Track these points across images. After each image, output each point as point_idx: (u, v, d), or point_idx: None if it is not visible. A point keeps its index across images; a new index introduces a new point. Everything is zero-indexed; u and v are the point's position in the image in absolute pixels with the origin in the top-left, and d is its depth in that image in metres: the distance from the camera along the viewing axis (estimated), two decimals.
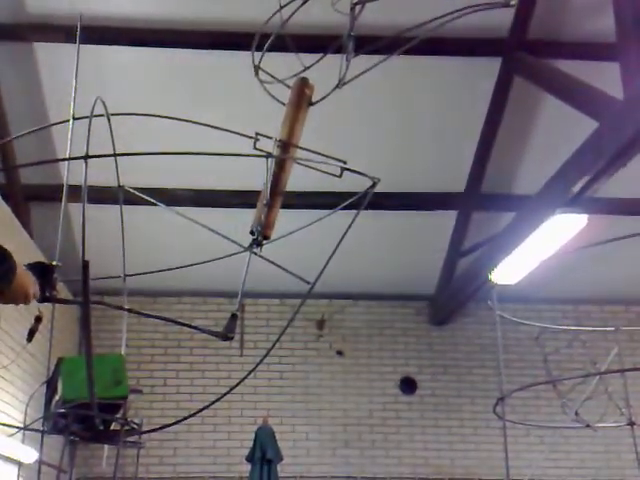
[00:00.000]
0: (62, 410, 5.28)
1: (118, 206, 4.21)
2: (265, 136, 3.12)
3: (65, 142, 3.61)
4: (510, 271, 9.21)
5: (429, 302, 12.20)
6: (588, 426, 8.44)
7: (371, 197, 3.22)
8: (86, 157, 2.87)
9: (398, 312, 12.24)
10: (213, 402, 3.64)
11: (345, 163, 3.04)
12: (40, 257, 8.05)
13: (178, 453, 11.30)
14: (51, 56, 8.50)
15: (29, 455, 8.57)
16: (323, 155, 3.04)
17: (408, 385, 11.93)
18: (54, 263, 3.00)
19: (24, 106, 8.88)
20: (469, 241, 10.70)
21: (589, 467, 11.57)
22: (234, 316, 3.30)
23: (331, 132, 8.52)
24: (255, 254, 3.31)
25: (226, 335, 3.24)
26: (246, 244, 3.32)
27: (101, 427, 5.43)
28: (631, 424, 8.12)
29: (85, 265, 2.80)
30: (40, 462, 6.97)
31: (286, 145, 3.26)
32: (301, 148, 3.27)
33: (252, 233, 3.29)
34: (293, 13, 3.36)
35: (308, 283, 3.27)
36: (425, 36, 3.44)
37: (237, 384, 3.54)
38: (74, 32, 4.09)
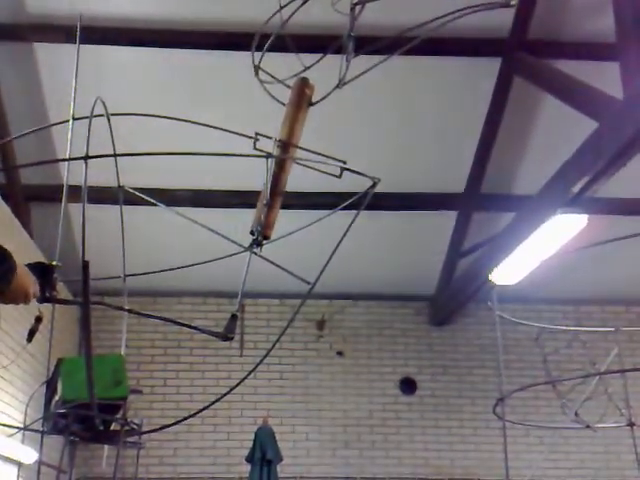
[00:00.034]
0: (62, 410, 5.28)
1: (118, 206, 4.21)
2: (265, 136, 3.12)
3: (65, 142, 3.61)
4: (510, 271, 9.21)
5: (429, 302, 12.20)
6: (588, 427, 8.43)
7: (371, 197, 3.21)
8: (86, 157, 2.87)
9: (398, 312, 12.24)
10: (213, 402, 3.63)
11: (345, 163, 3.04)
12: (40, 257, 8.05)
13: (178, 453, 11.30)
14: (51, 56, 8.50)
15: (29, 455, 8.57)
16: (323, 155, 3.04)
17: (408, 385, 11.93)
18: (54, 263, 3.00)
19: (24, 106, 8.88)
20: (469, 241, 10.70)
21: (589, 468, 11.58)
22: (234, 316, 3.29)
23: (331, 132, 8.52)
24: (255, 254, 3.30)
25: (226, 335, 3.24)
26: (246, 244, 3.32)
27: (101, 427, 5.43)
28: (631, 425, 8.12)
29: (85, 265, 2.80)
30: (40, 462, 6.97)
31: (286, 145, 3.26)
32: (301, 148, 3.27)
33: (252, 233, 3.29)
34: (293, 13, 3.36)
35: (308, 283, 3.26)
36: (425, 36, 3.43)
37: (237, 384, 3.54)
38: (74, 32, 4.09)
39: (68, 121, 3.62)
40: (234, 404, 11.25)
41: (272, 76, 3.55)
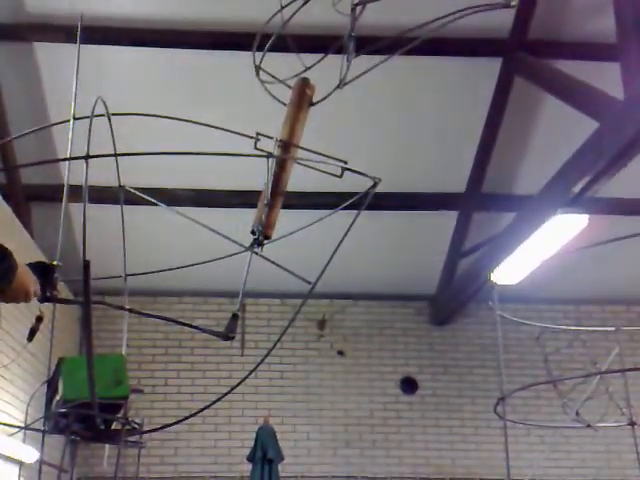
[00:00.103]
0: (63, 410, 5.28)
1: (119, 206, 4.20)
2: (266, 136, 3.12)
3: (65, 142, 3.60)
4: (511, 271, 9.22)
5: (430, 302, 12.20)
6: (589, 426, 8.44)
7: (372, 197, 3.22)
8: (87, 157, 2.87)
9: (399, 312, 12.24)
10: (214, 402, 3.64)
11: (346, 163, 3.04)
12: (41, 257, 8.05)
13: (179, 453, 11.31)
14: (51, 56, 8.50)
15: (30, 455, 8.57)
16: (324, 155, 3.04)
17: (409, 385, 11.93)
18: (55, 263, 3.00)
19: (24, 106, 8.88)
20: (470, 241, 10.70)
21: (590, 467, 11.58)
22: (235, 316, 3.29)
23: (332, 132, 8.52)
24: (256, 254, 3.31)
25: (227, 335, 3.24)
26: (247, 244, 3.32)
27: (102, 427, 5.43)
28: (632, 424, 8.12)
29: (86, 265, 2.80)
30: (41, 462, 6.97)
31: (287, 145, 3.26)
32: (302, 148, 3.27)
33: (253, 233, 3.29)
34: (294, 13, 3.36)
35: (309, 283, 3.26)
36: (426, 36, 3.44)
37: (238, 384, 3.54)
38: (74, 32, 4.08)
39: (69, 121, 3.62)
40: (235, 403, 11.26)
41: (273, 76, 3.55)
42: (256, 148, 3.08)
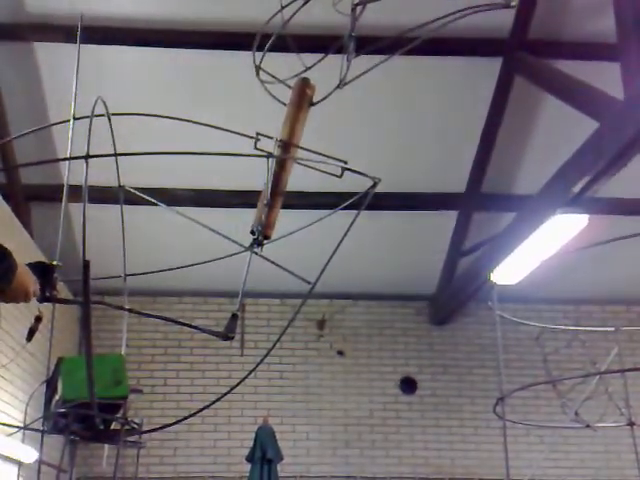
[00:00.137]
0: (62, 410, 5.27)
1: (119, 206, 4.20)
2: (266, 136, 3.12)
3: (65, 142, 3.60)
4: (510, 271, 9.21)
5: (429, 302, 12.20)
6: (588, 426, 8.44)
7: (372, 197, 3.21)
8: (87, 157, 2.87)
9: (398, 312, 12.24)
10: (213, 402, 3.64)
11: (346, 163, 3.04)
12: (40, 257, 8.05)
13: (178, 453, 11.31)
14: (51, 56, 8.50)
15: (29, 455, 8.57)
16: (324, 155, 3.04)
17: (408, 385, 11.93)
18: (54, 263, 3.00)
19: (24, 106, 8.88)
20: (470, 241, 10.70)
21: (589, 467, 11.58)
22: (235, 316, 3.29)
23: (332, 132, 8.52)
24: (256, 254, 3.31)
25: (227, 335, 3.24)
26: (247, 244, 3.32)
27: (101, 427, 5.42)
28: (631, 424, 8.12)
29: (86, 265, 2.80)
30: (40, 462, 6.96)
31: (287, 145, 3.26)
32: (302, 148, 3.27)
33: (253, 233, 3.28)
34: (294, 13, 3.36)
35: (309, 283, 3.26)
36: (426, 36, 3.43)
37: (237, 384, 3.54)
38: (74, 32, 4.08)
39: (68, 121, 3.62)
40: (234, 403, 11.26)
41: (273, 76, 3.55)
42: (256, 148, 3.08)
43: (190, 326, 3.76)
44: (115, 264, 4.44)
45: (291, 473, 11.03)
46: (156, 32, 8.39)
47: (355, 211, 3.19)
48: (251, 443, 9.99)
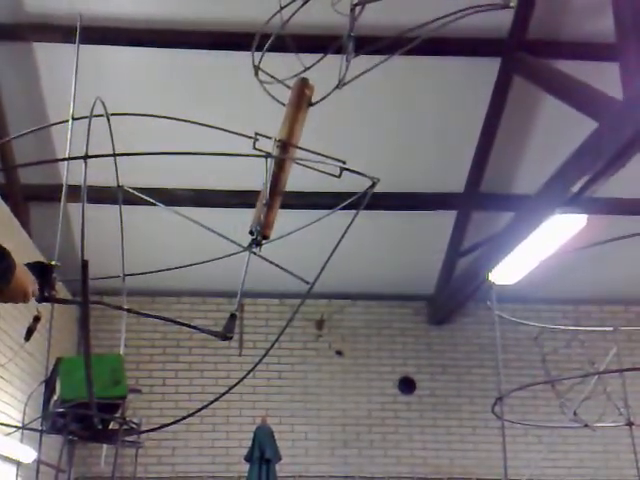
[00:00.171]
0: (61, 409, 5.27)
1: (117, 206, 4.20)
2: (264, 136, 3.12)
3: (64, 142, 3.60)
4: (509, 271, 9.22)
5: (428, 302, 12.20)
6: (586, 426, 8.43)
7: (370, 197, 3.21)
8: (85, 157, 2.87)
9: (397, 312, 12.25)
10: (212, 402, 3.63)
11: (344, 163, 3.04)
12: (39, 257, 8.04)
13: (177, 453, 11.31)
14: (50, 56, 8.49)
15: (28, 454, 8.57)
16: (322, 155, 3.04)
17: (407, 385, 11.93)
18: (53, 263, 3.00)
19: (23, 106, 8.87)
20: (468, 241, 10.70)
21: (587, 467, 11.59)
22: (233, 316, 3.29)
23: (331, 132, 8.52)
24: (254, 254, 3.30)
25: (225, 335, 3.24)
26: (245, 244, 3.32)
27: (100, 427, 5.42)
28: (629, 424, 8.12)
29: (84, 265, 2.80)
30: (39, 462, 6.96)
31: (285, 145, 3.26)
32: (301, 148, 3.27)
33: (251, 233, 3.28)
34: (294, 14, 3.36)
35: (307, 283, 3.26)
36: (426, 36, 3.43)
37: (236, 384, 3.54)
38: (73, 32, 4.08)
39: (67, 121, 3.62)
40: (233, 403, 11.25)
41: (272, 76, 3.55)
42: (255, 148, 3.08)
43: (189, 326, 3.76)
44: (114, 264, 4.43)
45: (289, 473, 11.04)
46: (155, 32, 8.39)
47: (354, 211, 3.19)
48: (249, 443, 9.99)
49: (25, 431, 7.42)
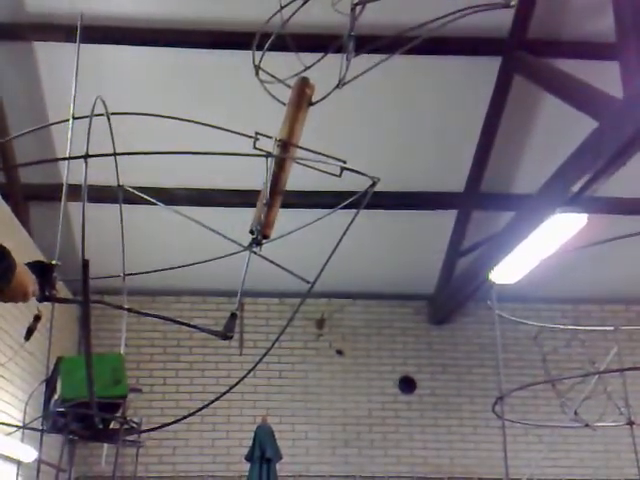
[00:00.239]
0: (61, 409, 5.28)
1: (118, 205, 4.20)
2: (265, 136, 3.12)
3: (65, 141, 3.60)
4: (509, 270, 9.21)
5: (428, 301, 12.20)
6: (587, 425, 8.44)
7: (371, 196, 3.21)
8: (86, 156, 2.87)
9: (397, 311, 12.25)
10: (212, 401, 3.64)
11: (345, 163, 3.04)
12: (39, 256, 8.04)
13: (177, 452, 11.31)
14: (51, 55, 8.50)
15: (28, 454, 8.57)
16: (323, 155, 3.04)
17: (407, 384, 11.93)
18: (54, 262, 3.00)
19: (24, 105, 8.87)
20: (468, 240, 10.70)
21: (588, 466, 11.59)
22: (233, 315, 3.29)
23: (331, 132, 8.52)
24: (255, 253, 3.30)
25: (225, 334, 3.24)
26: (246, 243, 3.32)
27: (100, 426, 5.43)
28: (630, 423, 8.12)
29: (85, 264, 2.80)
30: (39, 461, 6.97)
31: (286, 145, 3.26)
32: (301, 148, 3.27)
33: (252, 232, 3.28)
34: (294, 13, 3.36)
35: (308, 282, 3.26)
36: (426, 36, 3.43)
37: (236, 383, 3.54)
38: (74, 31, 4.08)
39: (68, 120, 3.62)
40: (233, 403, 11.25)
41: (272, 76, 3.55)
42: (255, 147, 3.07)
43: (189, 325, 3.76)
44: (114, 263, 4.43)
45: (290, 472, 11.04)
46: (156, 31, 8.39)
47: (354, 210, 3.19)
48: (250, 442, 9.99)
49: (26, 430, 7.44)
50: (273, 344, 3.65)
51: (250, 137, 3.08)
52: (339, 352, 11.96)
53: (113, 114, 3.67)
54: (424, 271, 11.59)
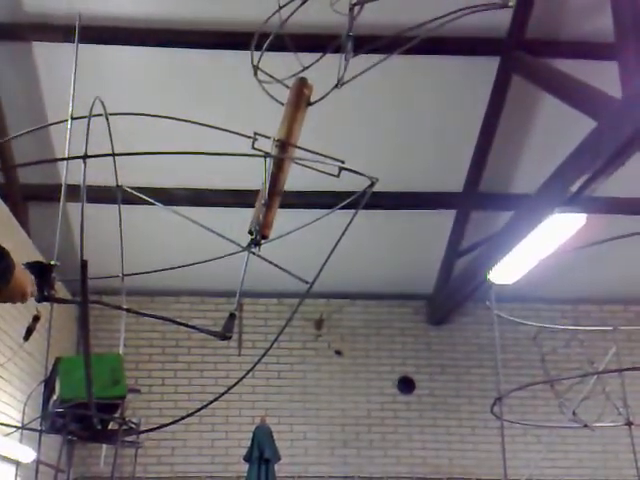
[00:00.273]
0: (60, 409, 5.27)
1: (116, 205, 4.20)
2: (264, 136, 3.12)
3: (63, 142, 3.60)
4: (508, 270, 9.21)
5: (427, 302, 12.20)
6: (586, 426, 8.44)
7: (369, 197, 3.21)
8: (85, 157, 2.87)
9: (396, 312, 12.24)
10: (211, 402, 3.64)
11: (343, 163, 3.04)
12: (38, 257, 8.03)
13: (176, 453, 11.30)
14: (50, 56, 8.49)
15: (27, 454, 8.56)
16: (321, 155, 3.04)
17: (406, 385, 11.93)
18: (52, 262, 3.00)
19: (22, 105, 8.87)
20: (467, 240, 10.70)
21: (587, 467, 11.58)
22: (232, 315, 3.29)
23: (330, 132, 8.52)
24: (253, 254, 3.30)
25: (224, 335, 3.24)
26: (244, 244, 3.32)
27: (99, 427, 5.42)
28: (628, 424, 8.12)
29: (83, 264, 2.80)
30: (38, 462, 6.96)
31: (284, 145, 3.26)
32: (299, 148, 3.27)
33: (250, 233, 3.28)
34: (292, 13, 3.36)
35: (306, 283, 3.26)
36: (424, 36, 3.44)
37: (235, 383, 3.54)
38: (73, 32, 4.08)
39: (66, 120, 3.62)
40: (232, 403, 11.25)
41: (271, 76, 3.55)
42: (254, 148, 3.08)
43: (188, 326, 3.76)
44: (113, 264, 4.44)
45: (289, 473, 11.03)
46: (154, 32, 8.39)
47: (353, 210, 3.19)
48: (249, 443, 9.98)
49: (24, 431, 7.42)
50: (272, 344, 3.65)
51: (249, 137, 3.08)
52: (338, 352, 11.96)
53: (112, 114, 3.67)
54: (423, 271, 11.59)
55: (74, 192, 3.58)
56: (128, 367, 6.39)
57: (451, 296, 11.15)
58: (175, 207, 5.44)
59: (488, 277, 9.00)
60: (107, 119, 3.68)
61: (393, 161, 9.64)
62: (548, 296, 11.99)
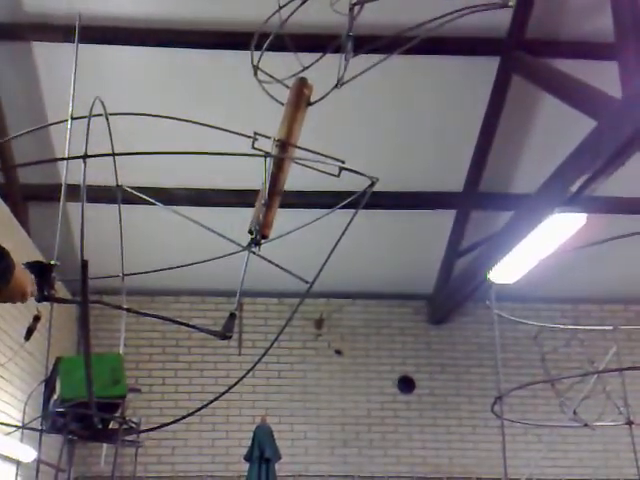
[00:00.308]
0: (60, 409, 5.28)
1: (116, 205, 4.20)
2: (264, 136, 3.12)
3: (63, 142, 3.61)
4: (508, 270, 9.21)
5: (427, 301, 12.20)
6: (586, 425, 8.44)
7: (369, 196, 3.22)
8: (85, 157, 2.87)
9: (396, 311, 12.24)
10: (211, 401, 3.64)
11: (343, 163, 3.04)
12: (38, 257, 8.04)
13: (176, 452, 11.30)
14: (50, 56, 8.49)
15: (28, 454, 8.57)
16: (321, 155, 3.04)
17: (406, 384, 11.93)
18: (52, 262, 3.00)
19: (23, 105, 8.87)
20: (467, 240, 10.70)
21: (587, 466, 11.58)
22: (232, 315, 3.29)
23: (330, 132, 8.52)
24: (254, 253, 3.31)
25: (224, 334, 3.24)
26: (244, 243, 3.32)
27: (99, 426, 5.43)
28: (629, 423, 8.13)
29: (84, 264, 2.80)
30: (38, 461, 6.97)
31: (284, 145, 3.26)
32: (299, 148, 3.27)
33: (250, 232, 3.29)
34: (292, 13, 3.36)
35: (307, 282, 3.26)
36: (424, 36, 3.44)
37: (235, 383, 3.54)
38: (73, 31, 4.09)
39: (66, 120, 3.62)
40: (232, 403, 11.25)
41: (271, 76, 3.55)
42: (254, 148, 3.08)
43: (188, 325, 3.76)
44: (113, 263, 4.44)
45: (289, 472, 11.04)
46: (154, 32, 8.39)
47: (353, 210, 3.19)
48: (249, 442, 9.98)
49: (25, 430, 7.44)
50: (272, 344, 3.65)
51: (249, 137, 3.08)
52: (338, 352, 11.96)
53: (112, 114, 3.67)
54: (423, 271, 11.59)
55: (74, 192, 3.59)
56: (128, 367, 6.40)
57: (451, 296, 11.15)
58: (175, 207, 5.44)
59: (488, 277, 9.00)
60: (107, 119, 3.68)
61: (393, 161, 9.64)
62: (548, 296, 11.99)
